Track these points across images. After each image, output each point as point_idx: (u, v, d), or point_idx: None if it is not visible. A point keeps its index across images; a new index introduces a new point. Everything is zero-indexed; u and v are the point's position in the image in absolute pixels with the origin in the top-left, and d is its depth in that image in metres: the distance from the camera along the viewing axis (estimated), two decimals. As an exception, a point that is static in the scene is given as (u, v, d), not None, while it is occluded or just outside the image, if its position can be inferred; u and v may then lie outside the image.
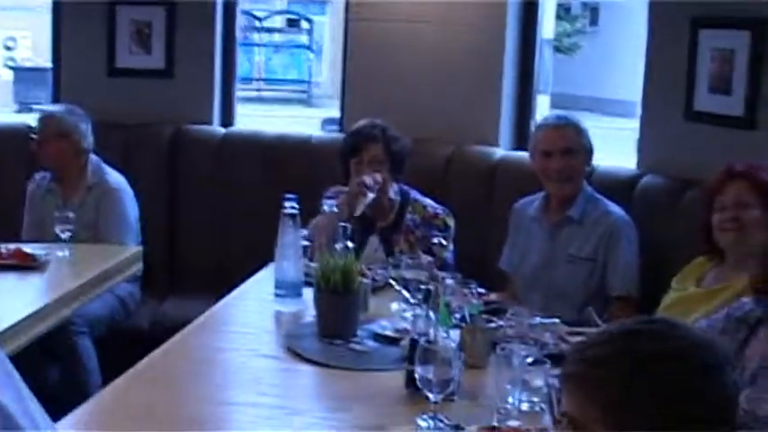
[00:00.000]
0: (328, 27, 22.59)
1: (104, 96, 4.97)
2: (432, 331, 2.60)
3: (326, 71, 22.18)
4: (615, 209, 3.75)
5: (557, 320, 2.80)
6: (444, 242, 2.97)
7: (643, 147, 4.19)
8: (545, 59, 4.78)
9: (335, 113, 5.63)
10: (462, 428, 2.37)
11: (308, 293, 3.24)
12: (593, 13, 24.02)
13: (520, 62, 4.67)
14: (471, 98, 4.63)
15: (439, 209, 4.01)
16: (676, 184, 3.89)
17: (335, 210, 3.36)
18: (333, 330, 2.99)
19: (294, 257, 3.29)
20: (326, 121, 11.05)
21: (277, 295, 3.30)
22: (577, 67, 21.75)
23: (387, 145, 3.95)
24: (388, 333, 3.04)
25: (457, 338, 2.71)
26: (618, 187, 3.98)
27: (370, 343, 2.99)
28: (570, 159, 3.72)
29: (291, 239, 3.28)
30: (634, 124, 4.33)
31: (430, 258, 3.38)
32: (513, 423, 2.36)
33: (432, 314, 2.63)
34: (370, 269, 3.44)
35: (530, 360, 2.55)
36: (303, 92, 21.86)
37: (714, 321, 2.72)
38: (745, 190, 3.17)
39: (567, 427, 1.61)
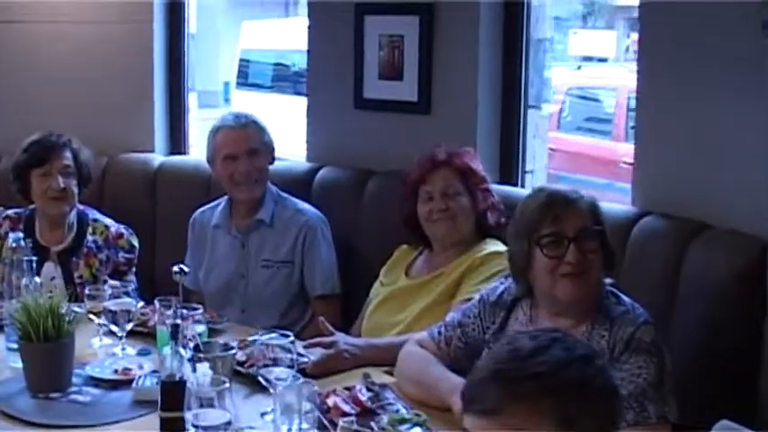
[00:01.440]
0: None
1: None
2: (184, 370, 2.33)
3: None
4: (306, 207, 3.61)
5: (288, 336, 2.62)
6: (186, 269, 2.68)
7: (312, 139, 4.06)
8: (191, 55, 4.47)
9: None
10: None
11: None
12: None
13: (169, 60, 4.37)
14: (123, 102, 4.31)
15: (122, 228, 3.70)
16: (356, 174, 3.81)
17: (22, 243, 2.92)
18: (48, 384, 2.61)
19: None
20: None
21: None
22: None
23: (75, 155, 3.65)
24: (107, 376, 2.71)
25: (204, 373, 2.43)
26: (293, 183, 3.81)
27: (92, 390, 2.65)
28: (255, 160, 3.52)
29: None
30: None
31: (117, 284, 3.08)
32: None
33: (182, 351, 2.34)
34: None
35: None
36: None
37: (468, 309, 2.70)
38: (450, 178, 3.16)
39: None
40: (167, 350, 2.33)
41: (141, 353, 2.91)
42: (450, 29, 3.68)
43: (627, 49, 14.07)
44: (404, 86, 3.77)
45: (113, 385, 2.67)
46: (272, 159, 3.60)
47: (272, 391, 2.44)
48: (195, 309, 2.78)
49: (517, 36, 3.68)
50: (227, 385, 2.19)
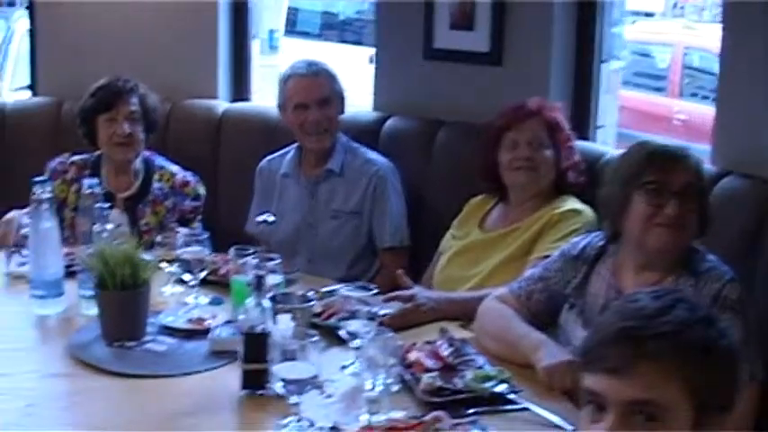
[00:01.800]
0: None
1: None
2: (268, 323, 2.30)
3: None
4: (376, 156, 3.56)
5: (370, 289, 2.58)
6: (271, 218, 2.64)
7: (379, 88, 3.99)
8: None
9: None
10: (339, 429, 2.11)
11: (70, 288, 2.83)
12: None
13: (234, 6, 4.30)
14: (187, 48, 4.24)
15: (189, 176, 3.67)
16: (425, 124, 3.74)
17: (97, 189, 2.89)
18: (123, 332, 2.59)
19: (52, 250, 2.81)
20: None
21: (36, 296, 2.81)
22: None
23: (142, 100, 3.61)
24: (181, 325, 2.69)
25: (287, 325, 2.39)
26: (359, 133, 3.74)
27: (167, 340, 2.63)
28: (327, 110, 3.48)
29: (47, 229, 2.80)
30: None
31: (189, 231, 3.06)
32: (395, 415, 2.13)
33: (264, 303, 2.31)
34: None
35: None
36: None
37: (549, 263, 2.67)
38: (538, 129, 3.12)
39: (635, 419, 1.47)
40: (250, 301, 2.30)
41: (213, 302, 2.88)
42: (525, -21, 3.60)
43: (675, 5, 13.83)
44: (475, 37, 3.68)
45: (188, 335, 2.65)
46: (343, 109, 3.55)
47: (351, 344, 2.41)
48: (272, 258, 2.73)
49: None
50: (315, 338, 2.15)
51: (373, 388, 2.18)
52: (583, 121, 3.64)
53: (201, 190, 3.70)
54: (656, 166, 2.43)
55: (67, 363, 2.49)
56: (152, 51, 4.22)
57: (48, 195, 2.79)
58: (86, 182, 2.92)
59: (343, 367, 2.43)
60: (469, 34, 3.69)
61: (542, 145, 3.10)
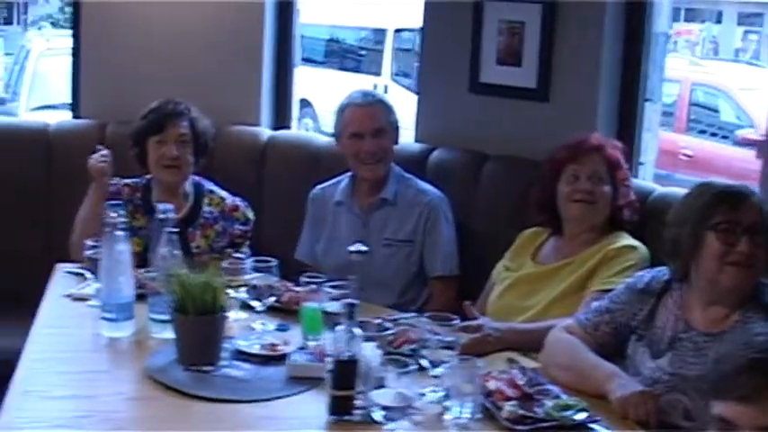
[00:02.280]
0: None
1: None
2: (355, 349, 2.35)
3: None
4: (428, 187, 3.64)
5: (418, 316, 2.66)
6: (364, 248, 2.70)
7: (423, 119, 4.07)
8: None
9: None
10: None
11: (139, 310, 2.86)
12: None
13: (278, 36, 4.37)
14: (229, 74, 4.29)
15: (238, 200, 3.72)
16: (471, 157, 3.82)
17: (171, 215, 2.93)
18: (201, 357, 2.61)
19: (125, 274, 2.84)
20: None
21: (107, 319, 2.84)
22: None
23: (193, 123, 3.67)
24: (257, 351, 2.73)
25: (372, 352, 2.44)
26: (405, 163, 3.78)
27: (243, 365, 2.66)
28: (381, 140, 3.56)
29: (120, 252, 2.83)
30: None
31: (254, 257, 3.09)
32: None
33: (354, 331, 2.36)
34: None
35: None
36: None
37: (615, 296, 2.74)
38: (600, 164, 3.20)
39: None
40: (339, 328, 2.35)
41: (279, 328, 2.92)
42: (574, 18, 3.68)
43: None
44: (522, 72, 3.77)
45: (264, 361, 2.67)
46: (397, 139, 3.62)
47: (431, 372, 2.47)
48: (343, 286, 2.78)
49: (640, 28, 3.69)
50: (413, 366, 2.20)
51: (460, 415, 2.24)
52: (627, 158, 3.71)
53: (251, 215, 3.75)
54: (725, 205, 2.52)
55: (148, 386, 2.50)
56: (196, 76, 4.27)
57: (121, 219, 2.83)
58: (161, 206, 2.97)
59: (422, 395, 2.48)
60: (517, 70, 3.78)
61: (602, 180, 3.18)
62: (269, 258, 2.93)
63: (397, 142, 3.63)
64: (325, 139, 4.13)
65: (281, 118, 4.40)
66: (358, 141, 3.53)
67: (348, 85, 8.42)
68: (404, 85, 9.01)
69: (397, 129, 3.62)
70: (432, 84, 4.07)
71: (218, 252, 3.61)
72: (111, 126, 4.17)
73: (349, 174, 3.66)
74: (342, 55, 11.79)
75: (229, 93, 4.29)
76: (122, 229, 2.83)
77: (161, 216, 2.92)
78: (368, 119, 3.54)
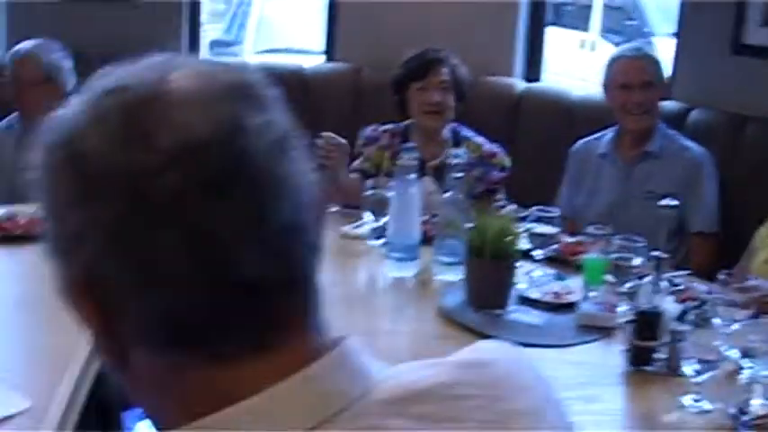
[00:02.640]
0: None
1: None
2: (658, 302, 2.38)
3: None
4: (692, 144, 3.66)
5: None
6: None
7: (682, 78, 4.06)
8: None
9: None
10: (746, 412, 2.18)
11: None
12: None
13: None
14: (484, 26, 4.35)
15: (495, 147, 3.77)
16: (732, 118, 3.80)
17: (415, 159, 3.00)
18: (492, 301, 2.69)
19: (414, 215, 2.95)
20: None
21: (394, 259, 2.95)
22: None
23: (453, 70, 3.72)
24: (540, 297, 2.78)
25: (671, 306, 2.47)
26: (665, 121, 3.78)
27: (531, 311, 2.73)
28: (649, 93, 3.59)
29: (412, 194, 2.93)
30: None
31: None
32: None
33: (660, 284, 2.39)
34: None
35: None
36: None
37: None
38: None
39: None
40: (647, 280, 2.39)
41: (556, 278, 2.96)
42: None
43: None
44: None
45: (551, 308, 2.71)
46: (664, 94, 3.62)
47: (721, 330, 2.47)
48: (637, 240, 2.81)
49: None
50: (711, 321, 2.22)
51: (757, 374, 2.24)
52: None
53: (507, 162, 3.79)
54: None
55: (442, 324, 2.58)
56: (451, 25, 4.34)
57: (414, 162, 2.92)
58: (407, 151, 3.02)
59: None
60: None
61: None
62: (550, 208, 2.97)
63: (664, 98, 3.62)
64: (579, 92, 4.14)
65: (533, 71, 4.42)
66: (626, 92, 3.57)
67: (553, 39, 8.37)
68: (613, 42, 8.85)
69: (664, 85, 3.65)
70: (691, 44, 4.05)
71: (476, 198, 3.67)
72: (366, 71, 4.28)
73: (614, 127, 3.70)
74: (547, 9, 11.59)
75: (484, 44, 4.35)
76: (414, 173, 2.92)
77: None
78: (637, 71, 3.58)
